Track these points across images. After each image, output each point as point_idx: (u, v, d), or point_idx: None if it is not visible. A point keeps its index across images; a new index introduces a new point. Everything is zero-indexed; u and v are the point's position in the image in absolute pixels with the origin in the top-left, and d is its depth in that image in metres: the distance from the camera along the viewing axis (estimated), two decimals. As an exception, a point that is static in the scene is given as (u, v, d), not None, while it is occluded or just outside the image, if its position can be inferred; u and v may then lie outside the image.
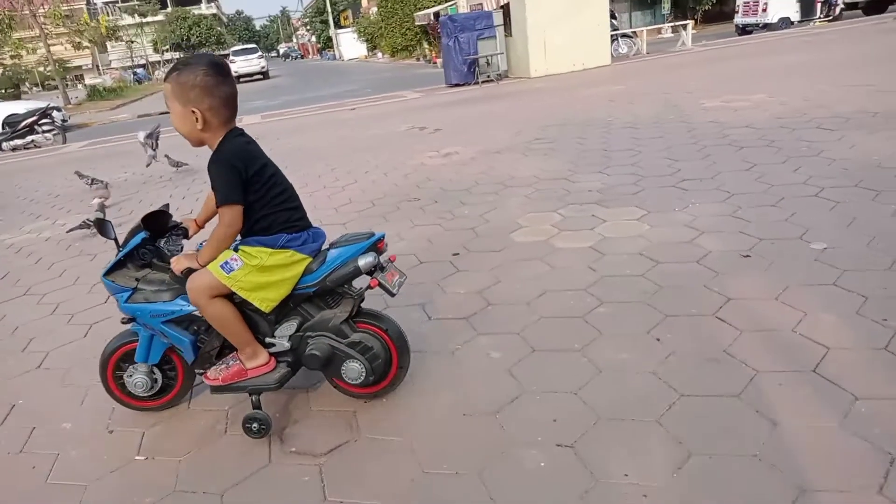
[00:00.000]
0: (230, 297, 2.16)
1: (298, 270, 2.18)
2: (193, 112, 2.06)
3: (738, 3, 19.46)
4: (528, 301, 3.08)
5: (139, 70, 52.34)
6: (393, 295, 2.31)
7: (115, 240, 2.33)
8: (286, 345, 2.27)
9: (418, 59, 34.64)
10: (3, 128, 14.73)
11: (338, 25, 57.05)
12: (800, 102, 6.93)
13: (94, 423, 2.55)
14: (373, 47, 46.81)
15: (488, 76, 14.77)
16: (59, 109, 16.42)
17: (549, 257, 3.59)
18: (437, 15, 29.79)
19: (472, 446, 2.10)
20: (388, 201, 5.33)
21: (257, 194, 2.13)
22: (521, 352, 2.63)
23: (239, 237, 2.21)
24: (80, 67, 58.15)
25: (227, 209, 2.09)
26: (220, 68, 2.11)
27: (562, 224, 4.11)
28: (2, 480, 2.27)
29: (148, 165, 8.15)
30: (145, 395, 2.44)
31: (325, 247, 2.28)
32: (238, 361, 2.25)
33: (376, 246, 2.26)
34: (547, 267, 3.46)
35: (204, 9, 72.22)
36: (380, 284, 2.24)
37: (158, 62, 59.15)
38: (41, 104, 18.06)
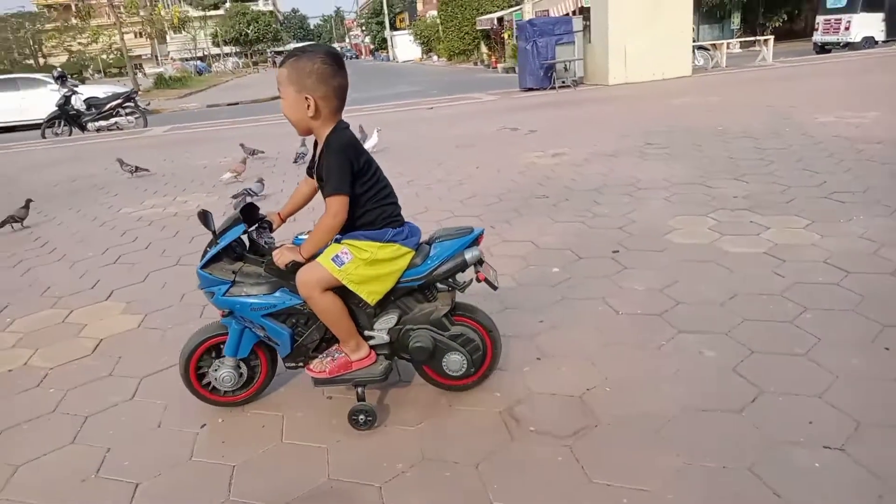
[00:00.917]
0: (337, 290, 2.17)
1: (403, 264, 2.21)
2: (307, 99, 2.07)
3: (818, 21, 18.98)
4: (720, 302, 3.01)
5: (199, 62, 53.53)
6: (495, 288, 2.37)
7: (214, 231, 2.29)
8: (385, 338, 2.29)
9: (476, 64, 34.71)
10: (87, 109, 15.14)
11: (393, 27, 57.57)
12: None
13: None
14: (428, 50, 47.12)
15: (564, 82, 14.68)
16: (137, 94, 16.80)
17: (723, 260, 3.51)
18: (500, 20, 29.89)
19: (729, 442, 2.04)
20: (515, 196, 5.30)
21: (364, 187, 2.14)
22: (740, 352, 2.56)
23: (337, 235, 2.21)
24: (139, 56, 59.84)
25: (335, 199, 2.10)
26: (336, 58, 2.12)
27: (719, 228, 4.02)
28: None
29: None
30: (231, 389, 2.43)
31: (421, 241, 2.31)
32: (343, 354, 2.26)
33: (478, 241, 2.29)
34: (725, 270, 3.38)
35: (261, 5, 73.70)
36: (486, 279, 2.29)
37: (218, 55, 60.43)
38: (119, 89, 18.63)
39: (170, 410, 2.55)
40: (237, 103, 23.77)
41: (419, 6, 54.43)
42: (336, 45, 42.64)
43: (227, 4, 63.22)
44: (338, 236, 2.23)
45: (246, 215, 2.33)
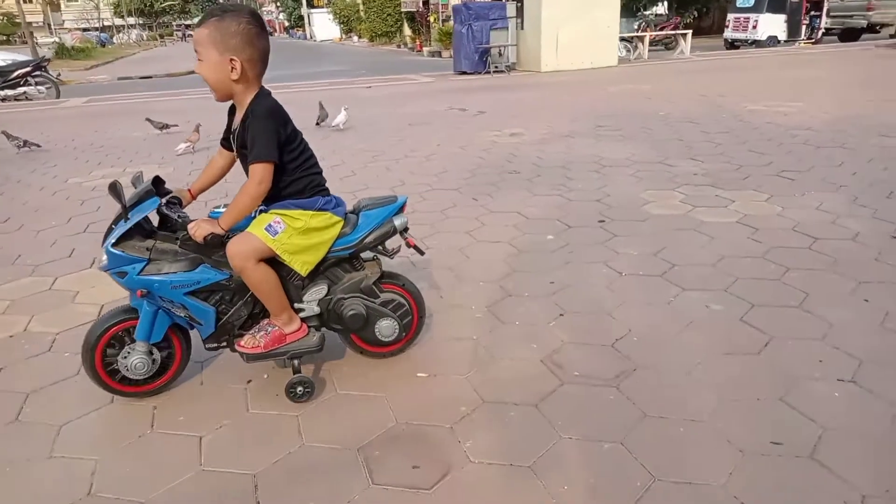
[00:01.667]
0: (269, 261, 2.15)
1: (335, 233, 2.21)
2: (232, 61, 1.99)
3: (728, 18, 20.20)
4: (711, 264, 3.29)
5: (101, 33, 50.23)
6: (422, 253, 2.52)
7: (124, 204, 2.10)
8: (316, 309, 2.29)
9: (399, 46, 34.49)
10: (-9, 76, 14.00)
11: (310, 5, 56.07)
12: (839, 112, 7.37)
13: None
14: (347, 30, 46.30)
15: (498, 67, 14.94)
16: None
17: (702, 228, 3.81)
18: (426, 2, 29.85)
19: (756, 379, 2.28)
20: (487, 172, 5.45)
21: (291, 155, 2.12)
22: (742, 306, 2.83)
23: (262, 204, 2.17)
24: (29, 24, 55.45)
25: (261, 166, 2.03)
26: (260, 20, 2.07)
27: (690, 201, 4.33)
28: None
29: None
30: (142, 378, 2.26)
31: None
32: (276, 327, 2.22)
33: (402, 208, 2.37)
34: (706, 237, 3.68)
35: (167, -25, 69.81)
36: (415, 244, 2.41)
37: (121, 26, 56.92)
38: (20, 56, 17.31)
39: (210, 368, 2.54)
40: (150, 77, 22.58)
41: (338, -16, 53.32)
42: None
43: (131, -28, 59.47)
44: (263, 206, 2.18)
45: (155, 189, 2.20)
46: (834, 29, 20.94)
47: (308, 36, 54.36)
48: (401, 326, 2.39)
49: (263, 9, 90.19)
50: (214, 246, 2.09)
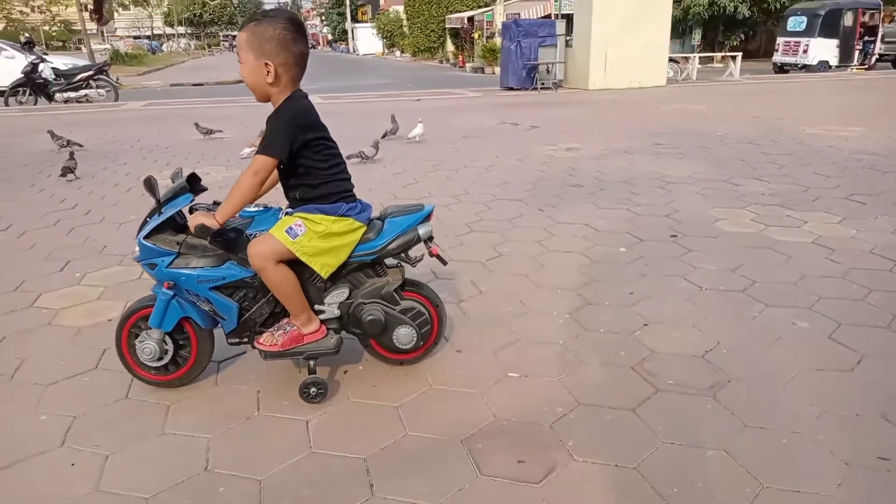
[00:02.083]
0: (289, 263, 2.18)
1: (356, 238, 2.24)
2: (266, 65, 2.05)
3: (778, 42, 20.02)
4: (792, 282, 3.27)
5: (152, 41, 51.76)
6: (445, 263, 2.50)
7: (158, 199, 2.21)
8: (336, 312, 2.32)
9: (441, 62, 34.89)
10: (55, 79, 14.53)
11: (354, 19, 57.13)
12: (905, 138, 7.25)
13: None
14: (390, 45, 47.04)
15: (544, 83, 15.01)
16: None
17: (778, 247, 3.79)
18: (470, 19, 30.18)
19: (854, 394, 2.27)
20: (549, 184, 5.50)
21: (316, 160, 2.15)
22: (828, 324, 2.81)
23: (288, 207, 2.27)
24: (81, 31, 57.41)
25: (263, 158, 2.07)
26: (298, 25, 2.11)
27: (761, 220, 4.31)
28: (389, 387, 2.39)
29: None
30: (153, 365, 2.34)
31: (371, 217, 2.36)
32: (294, 327, 2.25)
33: (428, 217, 2.36)
34: (783, 255, 3.66)
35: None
36: (438, 253, 2.39)
37: (170, 35, 58.53)
38: (80, 61, 17.97)
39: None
40: (202, 84, 23.28)
41: (381, 1, 54.27)
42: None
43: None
44: (289, 209, 2.26)
45: (190, 185, 2.25)
46: (887, 55, 20.60)
47: (351, 49, 55.30)
48: (419, 335, 2.38)
49: (308, 22, 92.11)
50: (210, 238, 2.11)
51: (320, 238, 2.15)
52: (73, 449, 2.08)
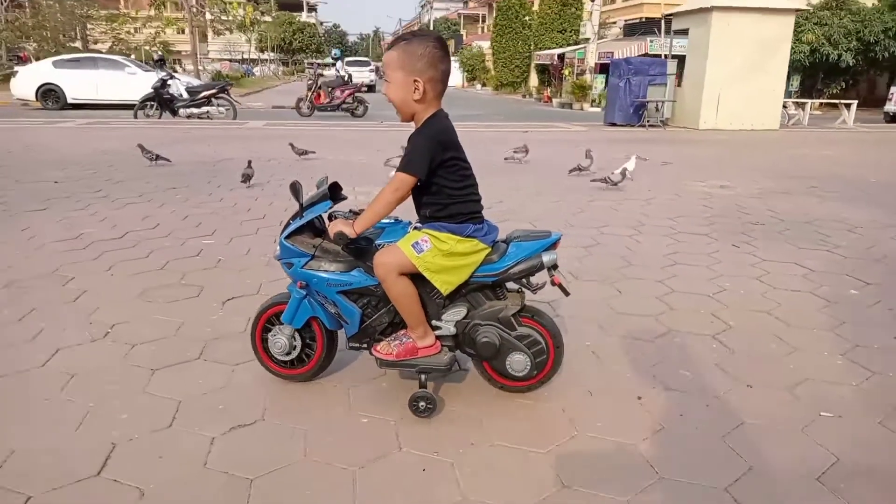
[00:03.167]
0: (411, 277, 2.21)
1: (479, 259, 2.24)
2: (416, 82, 2.10)
3: (892, 91, 19.28)
4: None
5: (246, 65, 54.22)
6: (568, 294, 2.40)
7: (301, 204, 2.33)
8: (452, 329, 2.32)
9: (524, 96, 35.19)
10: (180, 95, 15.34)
11: (437, 52, 58.31)
12: None
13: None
14: (471, 78, 47.79)
15: (651, 121, 14.87)
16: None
17: None
18: (561, 56, 30.40)
19: None
20: (725, 220, 5.38)
21: (450, 180, 2.18)
22: None
23: (417, 222, 2.31)
24: (179, 53, 60.66)
25: (404, 176, 2.13)
26: (444, 44, 2.17)
27: None
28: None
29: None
30: (282, 358, 2.48)
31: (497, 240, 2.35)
32: (410, 339, 2.28)
33: (555, 245, 2.32)
34: None
35: (304, 17, 74.83)
36: (560, 283, 2.32)
37: (262, 60, 61.11)
38: (194, 80, 18.95)
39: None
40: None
41: (463, 36, 55.34)
42: (372, 63, 43.45)
43: (274, 13, 64.15)
44: (419, 224, 2.29)
45: (332, 193, 2.34)
46: None
47: (431, 81, 56.30)
48: (533, 364, 2.33)
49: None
50: (344, 245, 2.22)
51: (444, 256, 2.18)
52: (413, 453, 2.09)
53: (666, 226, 5.20)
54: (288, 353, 2.46)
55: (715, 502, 1.86)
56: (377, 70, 40.14)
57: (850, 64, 24.95)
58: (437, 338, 2.32)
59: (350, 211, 2.42)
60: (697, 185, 7.06)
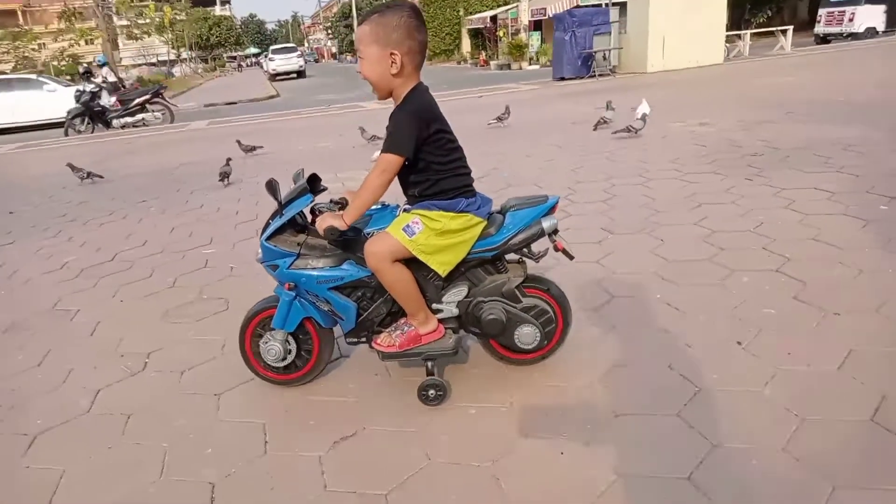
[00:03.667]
0: (406, 261, 2.10)
1: (475, 234, 2.12)
2: (392, 55, 1.97)
3: (820, 13, 19.81)
4: None
5: (163, 67, 52.03)
6: (572, 258, 2.31)
7: (280, 201, 2.17)
8: (455, 311, 2.22)
9: (459, 63, 34.81)
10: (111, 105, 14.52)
11: (362, 30, 57.08)
12: None
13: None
14: (402, 51, 46.96)
15: (601, 70, 14.86)
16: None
17: None
18: (493, 18, 30.09)
19: None
20: (723, 156, 5.36)
21: (436, 155, 2.06)
22: None
23: (406, 204, 2.19)
24: (90, 63, 57.85)
25: (389, 157, 1.99)
26: (419, 12, 2.04)
27: None
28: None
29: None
30: (277, 364, 2.34)
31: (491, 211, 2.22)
32: (412, 327, 2.18)
33: (553, 209, 2.21)
34: None
35: (218, 10, 72.23)
36: (563, 248, 2.21)
37: (180, 59, 58.78)
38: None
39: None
40: (235, 102, 23.27)
41: (388, 8, 54.22)
42: (298, 49, 42.26)
43: (187, 10, 61.64)
44: (407, 206, 2.18)
45: (310, 186, 2.19)
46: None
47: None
48: (542, 334, 2.23)
49: (310, 38, 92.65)
50: (334, 239, 2.07)
51: (438, 235, 2.05)
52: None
53: (670, 168, 5.13)
54: (283, 359, 2.33)
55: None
56: (304, 55, 39.15)
57: (775, -8, 25.51)
58: (440, 321, 2.21)
59: (331, 202, 2.27)
60: (678, 126, 7.03)
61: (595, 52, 14.73)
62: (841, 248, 3.14)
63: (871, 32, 18.52)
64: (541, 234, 2.16)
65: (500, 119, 8.24)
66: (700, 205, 4.11)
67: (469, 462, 1.88)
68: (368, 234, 2.16)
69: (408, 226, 2.05)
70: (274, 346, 2.29)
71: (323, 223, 2.05)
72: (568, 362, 2.38)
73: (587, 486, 1.73)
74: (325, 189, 2.27)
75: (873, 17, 18.44)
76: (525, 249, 2.20)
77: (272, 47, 43.49)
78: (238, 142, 8.02)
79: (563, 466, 1.83)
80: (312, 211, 2.27)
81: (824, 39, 19.62)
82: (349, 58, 61.69)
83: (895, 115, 6.31)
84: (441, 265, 2.09)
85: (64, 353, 2.92)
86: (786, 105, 7.68)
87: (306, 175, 2.23)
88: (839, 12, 18.94)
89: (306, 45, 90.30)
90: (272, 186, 2.14)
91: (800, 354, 2.25)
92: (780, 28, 17.58)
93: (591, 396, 2.16)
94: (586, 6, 20.62)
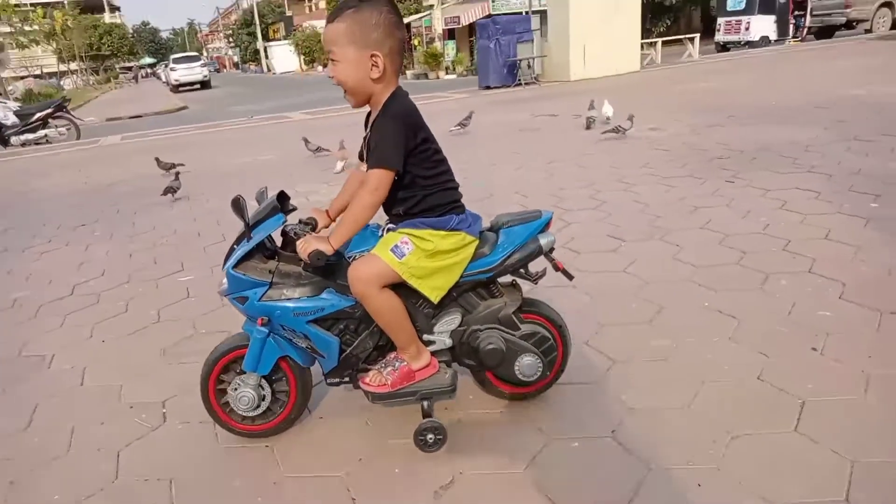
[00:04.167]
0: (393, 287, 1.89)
1: (468, 254, 1.94)
2: (373, 57, 1.76)
3: (719, 22, 20.98)
4: None
5: (53, 79, 48.54)
6: (571, 278, 2.14)
7: (247, 223, 1.91)
8: (448, 342, 2.01)
9: (372, 73, 34.44)
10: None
11: (266, 38, 55.67)
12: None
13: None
14: (310, 61, 46.11)
15: (527, 79, 15.07)
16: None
17: None
18: (407, 26, 30.02)
19: None
20: (695, 160, 5.45)
21: (424, 167, 1.87)
22: None
23: (389, 223, 1.97)
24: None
25: (379, 172, 1.79)
26: (396, 6, 1.85)
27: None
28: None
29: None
30: (250, 413, 2.07)
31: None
32: (404, 362, 1.95)
33: (548, 225, 2.05)
34: None
35: (108, 18, 68.25)
36: (563, 267, 2.08)
37: (71, 71, 55.16)
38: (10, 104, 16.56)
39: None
40: (140, 116, 21.99)
41: (295, 18, 53.22)
42: (202, 58, 40.69)
43: (74, 18, 57.83)
44: (392, 225, 1.96)
45: (279, 204, 1.98)
46: (812, 27, 21.99)
47: (266, 69, 53.84)
48: (545, 364, 2.04)
49: (209, 46, 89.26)
50: (321, 265, 1.83)
51: (429, 257, 1.86)
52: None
53: (646, 173, 5.18)
54: (258, 407, 2.05)
55: None
56: (207, 64, 37.56)
57: (674, 1, 26.94)
58: (432, 354, 2.00)
59: (300, 222, 2.00)
60: (632, 131, 7.13)
61: (520, 61, 14.92)
62: (857, 247, 3.22)
63: (766, 41, 19.80)
64: (539, 252, 2.00)
65: (461, 125, 8.15)
66: (696, 208, 4.14)
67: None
68: (350, 257, 1.91)
69: (396, 246, 1.84)
70: (246, 393, 2.01)
71: (307, 247, 1.80)
72: (675, 379, 2.26)
73: None
74: (294, 209, 2.01)
75: (766, 26, 19.72)
76: (522, 270, 2.03)
77: (173, 56, 41.53)
78: (157, 159, 7.39)
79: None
80: (283, 234, 2.00)
81: (724, 47, 20.82)
82: (252, 67, 59.98)
83: (829, 117, 6.68)
84: (433, 290, 1.89)
85: (55, 409, 2.52)
86: (725, 109, 7.99)
87: (269, 193, 1.97)
88: (736, 21, 20.14)
89: (205, 53, 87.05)
90: (239, 205, 1.84)
91: (880, 357, 2.24)
92: (688, 36, 18.50)
93: (698, 413, 2.04)
94: (503, 14, 21.02)
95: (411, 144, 1.81)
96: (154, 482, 2.01)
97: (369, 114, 1.93)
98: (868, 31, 20.69)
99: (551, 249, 2.02)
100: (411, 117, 1.82)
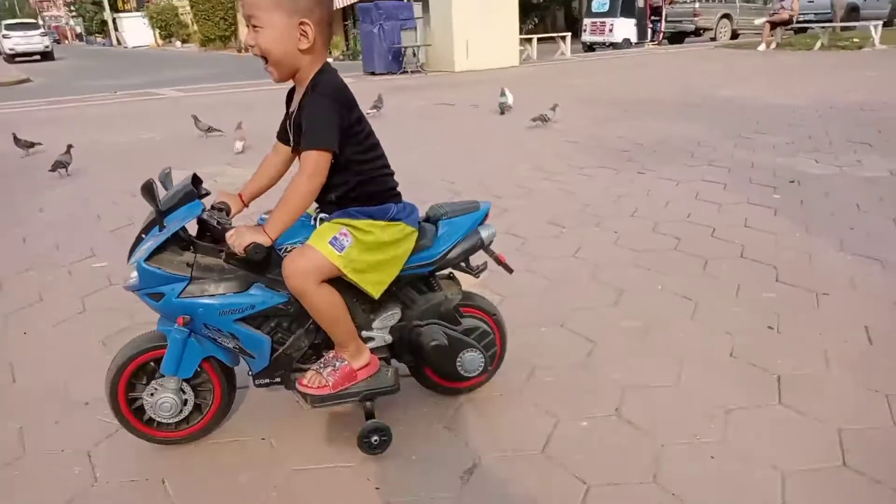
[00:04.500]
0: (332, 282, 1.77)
1: (409, 246, 1.85)
2: (302, 25, 1.64)
3: (585, 23, 22.14)
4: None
5: None
6: (511, 271, 2.14)
7: (160, 210, 1.72)
8: (387, 338, 1.95)
9: (239, 51, 32.76)
10: None
11: (115, 9, 51.04)
12: (800, 92, 8.63)
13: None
14: (167, 35, 42.99)
15: (412, 67, 15.07)
16: None
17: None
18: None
19: None
20: (601, 151, 5.75)
21: (358, 151, 1.77)
22: None
23: (321, 212, 1.85)
24: None
25: (315, 154, 1.67)
26: None
27: (833, 162, 5.01)
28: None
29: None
30: (170, 420, 1.89)
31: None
32: (344, 362, 1.84)
33: (486, 216, 2.04)
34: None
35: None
36: (504, 261, 2.09)
37: None
38: None
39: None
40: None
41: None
42: (39, 27, 36.65)
43: None
44: (325, 215, 1.84)
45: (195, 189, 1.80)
46: (666, 32, 23.87)
47: (115, 42, 49.40)
48: (486, 359, 2.02)
49: (45, 14, 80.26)
50: (260, 259, 1.67)
51: (369, 250, 1.75)
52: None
53: (563, 163, 5.38)
54: (179, 413, 1.88)
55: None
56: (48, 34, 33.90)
57: (541, 0, 28.00)
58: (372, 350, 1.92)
59: (212, 208, 1.84)
60: (530, 124, 7.37)
61: (404, 48, 14.87)
62: (775, 234, 3.54)
63: (627, 43, 21.20)
64: (480, 244, 1.98)
65: (376, 107, 8.01)
66: (619, 197, 4.36)
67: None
68: (281, 249, 1.77)
69: (335, 238, 1.71)
70: (166, 399, 1.82)
71: (241, 240, 1.63)
72: (657, 359, 2.36)
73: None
74: (208, 193, 1.83)
75: (627, 29, 21.12)
76: (462, 263, 1.99)
77: (5, 23, 36.87)
78: (14, 135, 6.60)
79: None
80: (200, 222, 1.83)
81: (591, 47, 22.03)
82: (100, 39, 54.79)
83: (710, 114, 7.31)
84: (375, 285, 1.78)
85: (-9, 413, 2.18)
86: (615, 104, 8.47)
87: (175, 175, 1.79)
88: (601, 23, 21.36)
89: (41, 22, 78.13)
90: (150, 190, 1.66)
91: (829, 334, 2.48)
92: (561, 35, 19.35)
93: (688, 390, 2.16)
94: None
95: (346, 123, 1.69)
96: (142, 482, 1.81)
97: (291, 90, 1.81)
98: (713, 38, 22.85)
99: (490, 242, 2.01)
100: (344, 94, 1.70)
